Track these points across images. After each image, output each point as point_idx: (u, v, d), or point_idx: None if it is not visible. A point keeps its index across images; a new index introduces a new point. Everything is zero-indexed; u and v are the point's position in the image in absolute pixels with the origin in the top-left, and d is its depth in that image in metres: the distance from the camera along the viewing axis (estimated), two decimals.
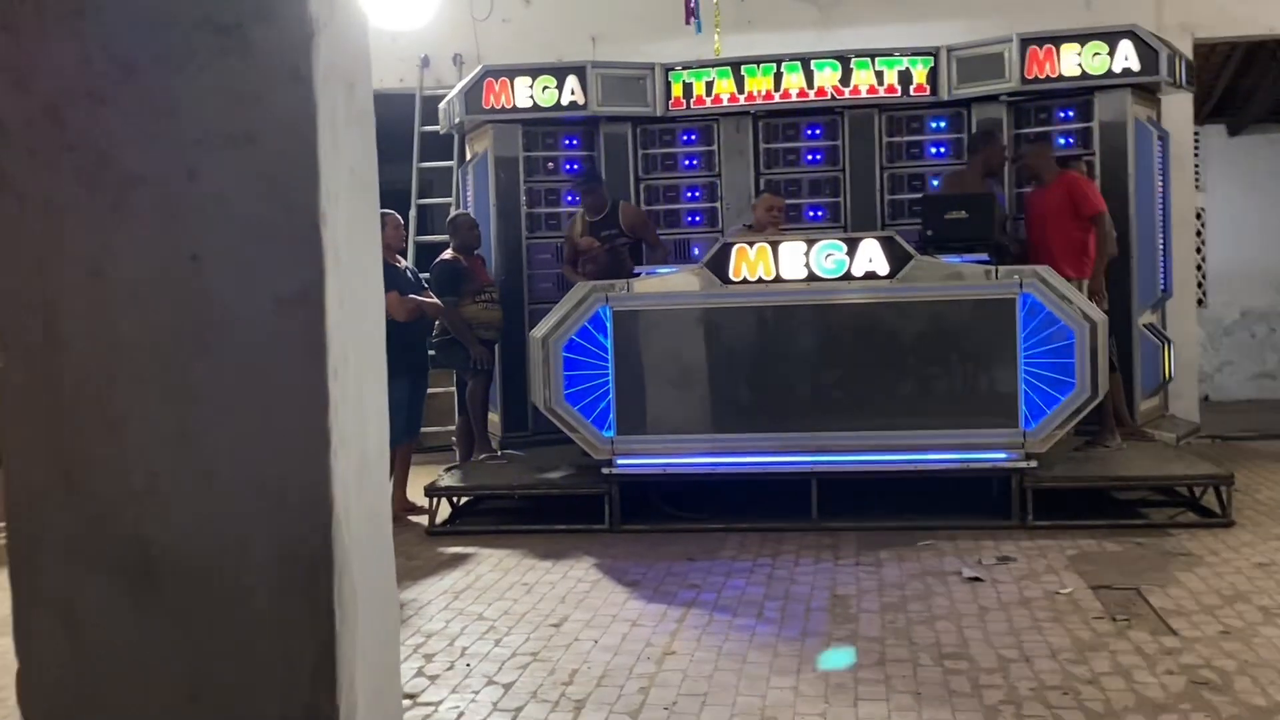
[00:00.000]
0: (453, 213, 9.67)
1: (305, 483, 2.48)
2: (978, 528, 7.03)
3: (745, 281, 7.18)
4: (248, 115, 2.44)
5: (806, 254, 7.14)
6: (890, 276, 7.08)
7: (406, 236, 10.02)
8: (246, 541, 2.53)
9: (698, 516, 7.37)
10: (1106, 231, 8.00)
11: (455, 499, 7.80)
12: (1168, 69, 8.44)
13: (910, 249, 7.10)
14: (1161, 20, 9.65)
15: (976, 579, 5.98)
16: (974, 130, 8.89)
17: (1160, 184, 8.73)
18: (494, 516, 7.84)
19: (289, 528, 2.50)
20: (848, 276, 7.11)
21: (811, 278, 7.14)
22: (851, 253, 7.11)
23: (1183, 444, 8.48)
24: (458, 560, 6.77)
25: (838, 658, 4.92)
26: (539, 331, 7.39)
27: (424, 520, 7.61)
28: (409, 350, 7.84)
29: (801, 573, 6.25)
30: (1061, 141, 8.83)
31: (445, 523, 7.63)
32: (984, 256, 7.36)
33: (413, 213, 10.35)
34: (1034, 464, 7.01)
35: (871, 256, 7.09)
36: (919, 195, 9.01)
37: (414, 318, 7.84)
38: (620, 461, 7.27)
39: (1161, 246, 8.78)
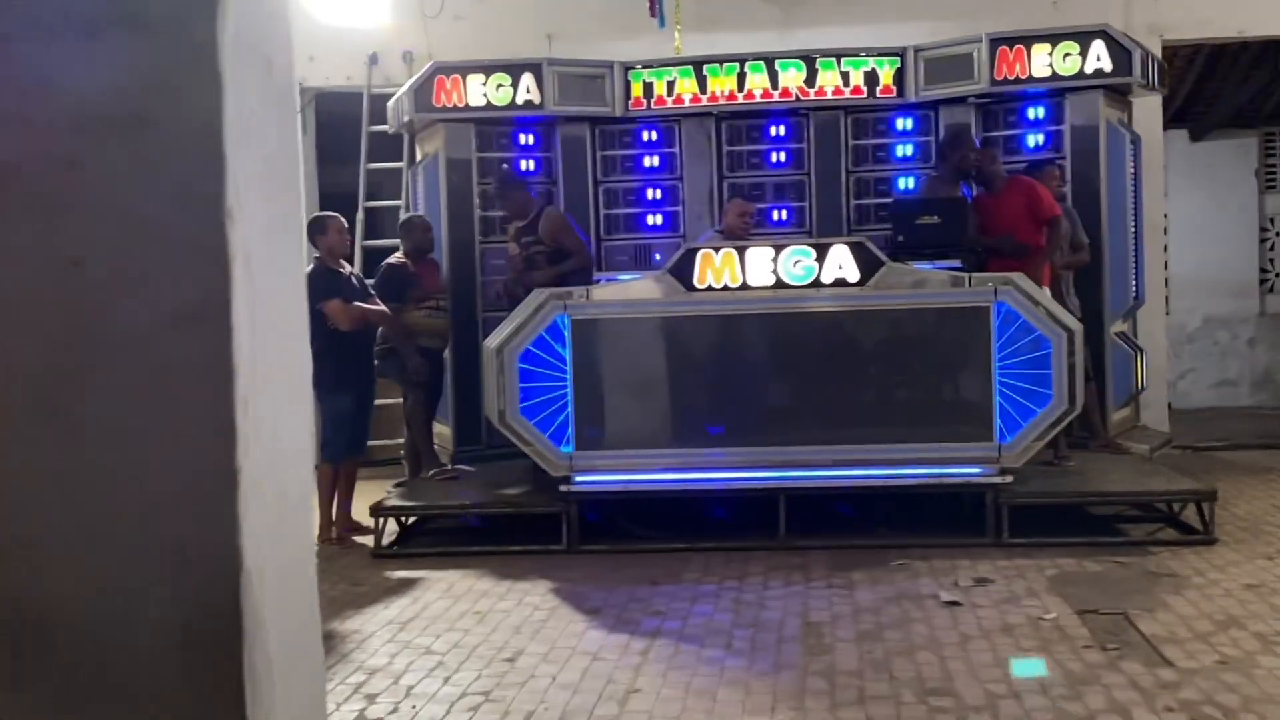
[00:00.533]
0: (403, 215, 9.24)
1: (209, 534, 2.07)
2: (951, 545, 6.69)
3: (710, 289, 6.81)
4: (139, 95, 2.03)
5: (774, 260, 6.77)
6: (861, 284, 6.73)
7: (353, 241, 9.58)
8: (140, 602, 2.11)
9: (660, 535, 6.98)
10: (1063, 235, 7.72)
11: (403, 519, 7.35)
12: (1141, 70, 8.17)
13: (881, 255, 6.75)
14: (1130, 21, 9.37)
15: (955, 603, 5.63)
16: (941, 134, 8.59)
17: (1133, 188, 8.45)
18: (445, 537, 7.41)
19: (191, 586, 2.09)
20: (817, 284, 6.76)
21: (779, 285, 6.78)
22: (821, 259, 6.76)
23: (1156, 456, 8.21)
24: (405, 586, 6.34)
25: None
26: (493, 341, 6.97)
27: (370, 541, 7.17)
28: (354, 361, 7.43)
29: (771, 596, 5.88)
30: (1031, 144, 8.55)
31: (393, 544, 7.18)
32: (956, 263, 7.03)
33: (360, 216, 9.90)
34: (1009, 479, 6.68)
35: (841, 263, 6.74)
36: (886, 200, 8.71)
37: (359, 326, 7.41)
38: (579, 478, 6.87)
39: (1134, 253, 8.49)
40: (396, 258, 8.06)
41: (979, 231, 7.46)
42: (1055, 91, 8.35)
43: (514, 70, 8.65)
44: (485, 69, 8.64)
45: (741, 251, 6.82)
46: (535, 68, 8.65)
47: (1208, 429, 10.72)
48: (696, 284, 6.82)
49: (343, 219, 7.61)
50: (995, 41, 8.27)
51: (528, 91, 8.65)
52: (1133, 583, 5.92)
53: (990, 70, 8.27)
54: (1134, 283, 8.49)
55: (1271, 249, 13.04)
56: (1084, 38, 8.18)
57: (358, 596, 6.16)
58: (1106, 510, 7.14)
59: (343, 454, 7.44)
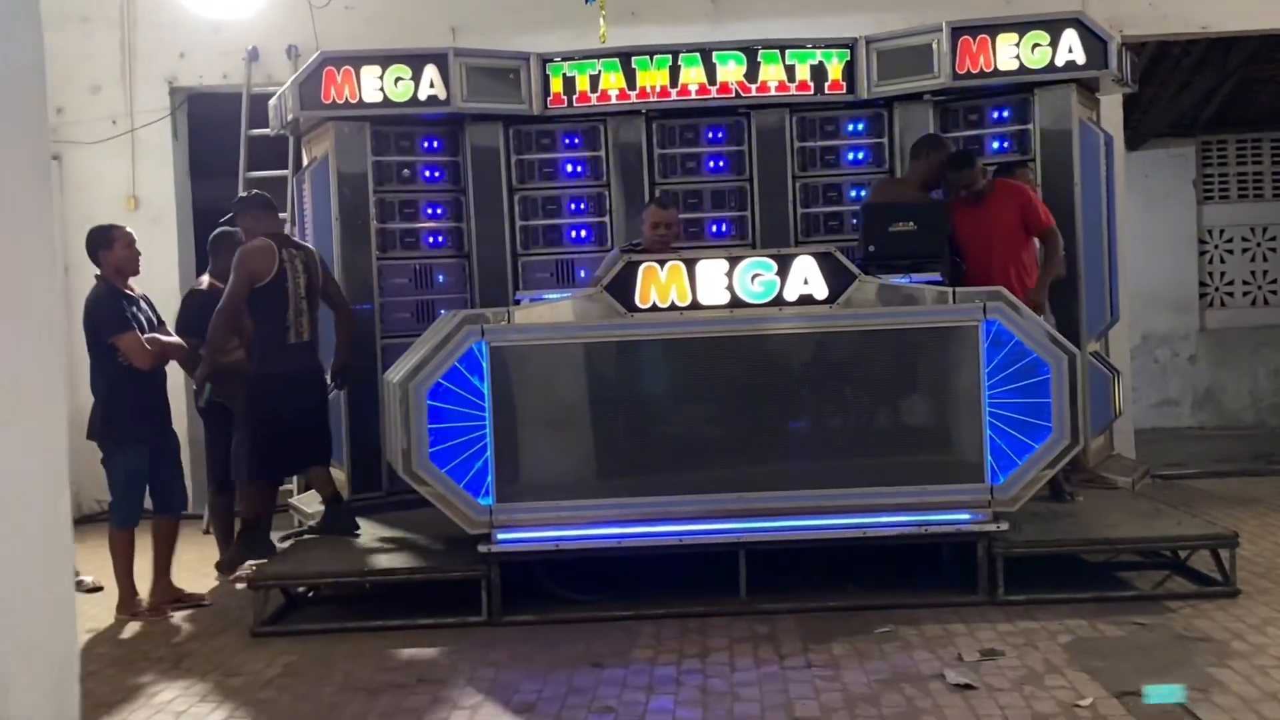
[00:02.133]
0: (291, 229, 8.00)
1: None
2: (938, 605, 5.70)
3: (655, 308, 5.72)
4: None
5: (729, 274, 5.71)
6: (830, 301, 5.70)
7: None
8: None
9: (599, 600, 5.85)
10: (1057, 248, 6.84)
11: (291, 589, 6.10)
12: (1116, 63, 7.30)
13: (853, 268, 5.73)
14: (1087, 14, 8.52)
15: (967, 685, 4.60)
16: (898, 135, 7.64)
17: (1106, 195, 7.56)
18: (339, 608, 6.16)
19: None
20: (779, 301, 5.71)
21: (735, 303, 5.72)
22: (783, 273, 5.71)
23: (1139, 488, 7.33)
24: (290, 676, 5.11)
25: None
26: (396, 374, 5.79)
27: (194, 607, 6.11)
28: (150, 405, 6.22)
29: (743, 681, 4.79)
30: (996, 146, 7.62)
31: (275, 618, 5.94)
32: (935, 276, 6.04)
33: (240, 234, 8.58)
34: (1004, 526, 5.70)
35: (807, 277, 5.71)
36: (837, 208, 7.73)
37: (159, 364, 6.18)
38: (501, 536, 5.71)
39: (1109, 266, 7.60)
40: (207, 281, 6.84)
41: (960, 244, 6.49)
42: (1022, 87, 7.44)
43: (415, 61, 7.46)
44: (382, 60, 7.45)
45: (691, 265, 5.74)
46: (440, 59, 7.48)
47: (1158, 453, 9.89)
48: (638, 303, 5.73)
49: (130, 231, 6.33)
50: (957, 31, 7.33)
51: (431, 86, 7.46)
52: (1165, 651, 4.95)
53: (952, 63, 7.33)
54: (1110, 299, 7.59)
55: (1210, 262, 12.41)
56: (1054, 26, 7.29)
57: (232, 692, 4.93)
58: (1099, 556, 6.18)
59: (137, 518, 6.23)
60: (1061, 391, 5.63)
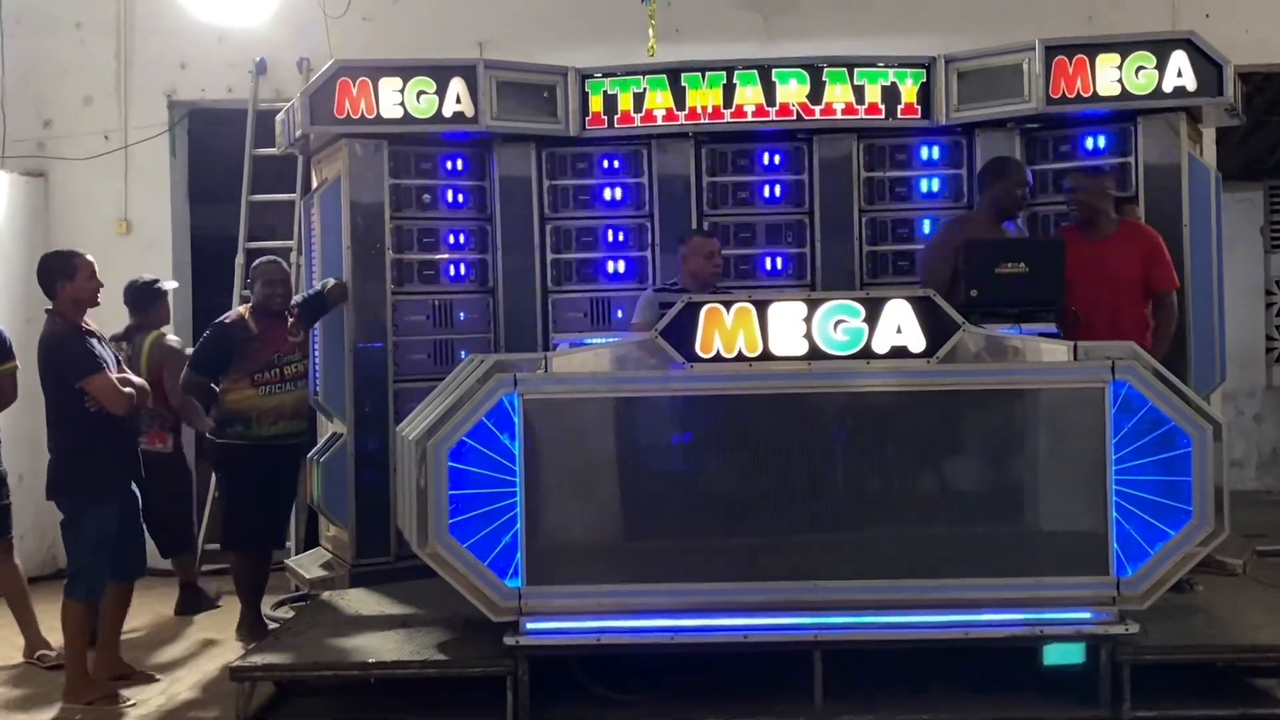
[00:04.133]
0: (295, 259, 7.09)
1: None
2: (1050, 718, 4.69)
3: (719, 358, 4.74)
4: None
5: (808, 319, 4.74)
6: (928, 354, 4.73)
7: (234, 286, 7.39)
8: None
9: (647, 702, 4.85)
10: (1174, 313, 5.94)
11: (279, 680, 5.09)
12: (1232, 90, 6.37)
13: (955, 316, 4.76)
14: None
15: None
16: (975, 164, 6.71)
17: (1216, 240, 6.58)
18: (336, 699, 5.15)
19: None
20: (866, 353, 4.74)
21: (814, 354, 4.74)
22: (872, 319, 4.74)
23: (1249, 571, 6.34)
24: None
25: None
26: (413, 430, 4.83)
27: (143, 693, 5.16)
28: (121, 456, 5.36)
29: None
30: None
31: (263, 712, 4.94)
32: (1050, 328, 5.07)
33: (240, 259, 7.66)
34: (1135, 628, 4.70)
35: (900, 325, 4.74)
36: (908, 246, 6.78)
37: (130, 408, 5.26)
38: (531, 625, 4.71)
39: (1218, 319, 6.61)
40: (234, 314, 5.96)
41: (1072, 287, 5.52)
42: (1122, 115, 6.50)
43: (440, 74, 6.54)
44: (403, 71, 6.52)
45: (762, 308, 4.77)
46: (468, 71, 6.56)
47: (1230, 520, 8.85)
48: (700, 352, 4.75)
49: (91, 259, 5.42)
50: (1051, 50, 6.40)
51: (457, 102, 6.54)
52: None
53: (1045, 86, 6.39)
54: (1220, 355, 6.61)
55: (1278, 315, 11.44)
56: (1162, 47, 6.36)
57: None
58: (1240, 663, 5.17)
59: (104, 588, 5.31)
60: (1204, 468, 4.65)
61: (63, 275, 5.25)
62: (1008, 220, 6.17)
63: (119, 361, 5.46)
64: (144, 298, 6.76)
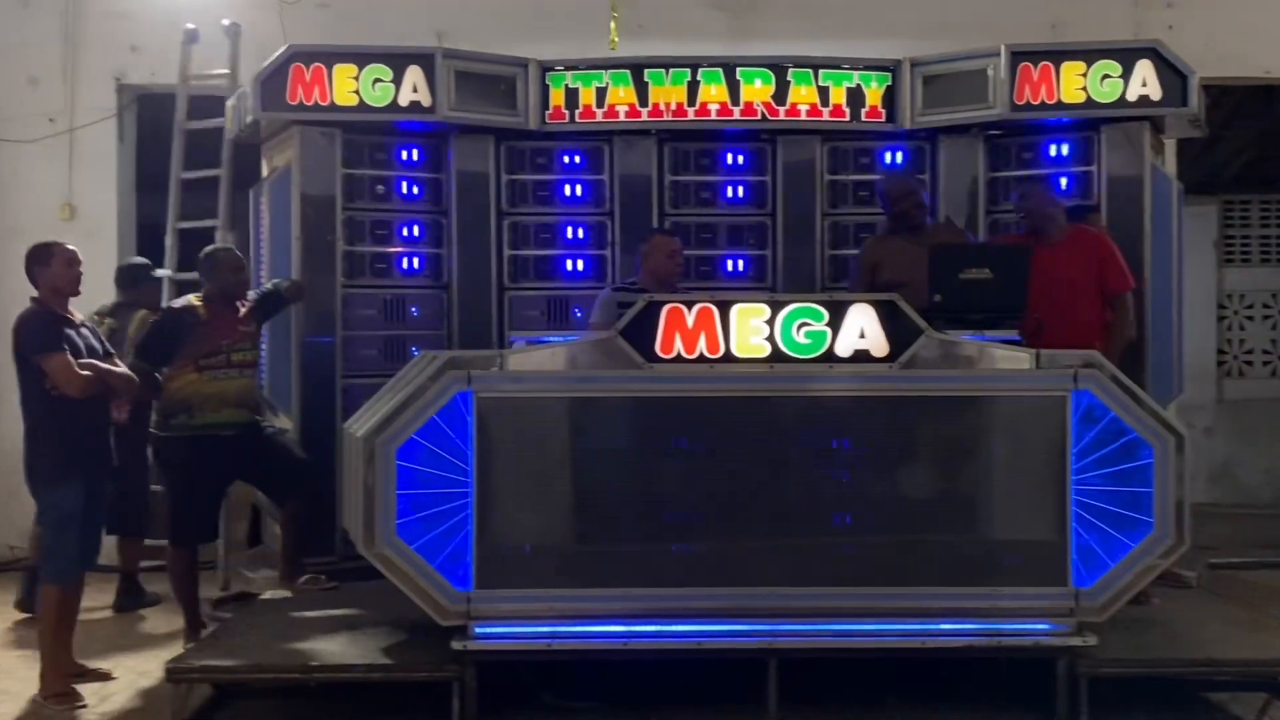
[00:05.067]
0: (218, 238, 6.88)
1: None
2: None
3: (680, 359, 4.63)
4: None
5: (770, 321, 4.65)
6: (890, 359, 4.65)
7: (160, 278, 7.15)
8: None
9: (595, 711, 4.73)
10: (1129, 313, 5.90)
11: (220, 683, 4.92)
12: (1196, 100, 6.36)
13: (920, 321, 4.69)
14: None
15: None
16: (939, 169, 6.69)
17: (1177, 251, 6.58)
18: (277, 702, 4.99)
19: None
20: (829, 357, 4.65)
21: (777, 357, 4.65)
22: (835, 323, 4.65)
23: (1203, 583, 6.33)
24: None
25: None
26: (360, 427, 4.68)
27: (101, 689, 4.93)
28: (86, 439, 5.19)
29: None
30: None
31: (200, 715, 4.77)
32: (1014, 335, 5.01)
33: (169, 240, 7.38)
34: (1092, 640, 4.64)
35: (864, 329, 4.65)
36: None
37: (92, 391, 5.10)
38: (481, 630, 4.58)
39: (1177, 331, 6.61)
40: (184, 302, 5.80)
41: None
42: (1086, 124, 6.49)
43: (397, 61, 6.42)
44: (358, 58, 6.40)
45: (725, 309, 4.67)
46: (425, 60, 6.44)
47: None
48: (660, 352, 4.64)
49: (71, 247, 5.28)
50: (1017, 56, 6.40)
51: (414, 91, 6.42)
52: None
53: (1010, 92, 6.37)
54: (1179, 368, 6.60)
55: (1229, 329, 11.51)
56: (1127, 55, 6.36)
57: None
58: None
59: (73, 573, 5.16)
60: (1166, 480, 4.61)
61: (39, 263, 5.19)
62: (911, 233, 6.11)
63: (103, 354, 5.29)
64: (131, 277, 6.79)
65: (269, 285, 6.13)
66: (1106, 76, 6.35)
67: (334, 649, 4.90)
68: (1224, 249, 11.48)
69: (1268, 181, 11.40)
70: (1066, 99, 6.38)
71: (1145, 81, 6.33)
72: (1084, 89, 6.36)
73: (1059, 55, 6.40)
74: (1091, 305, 5.79)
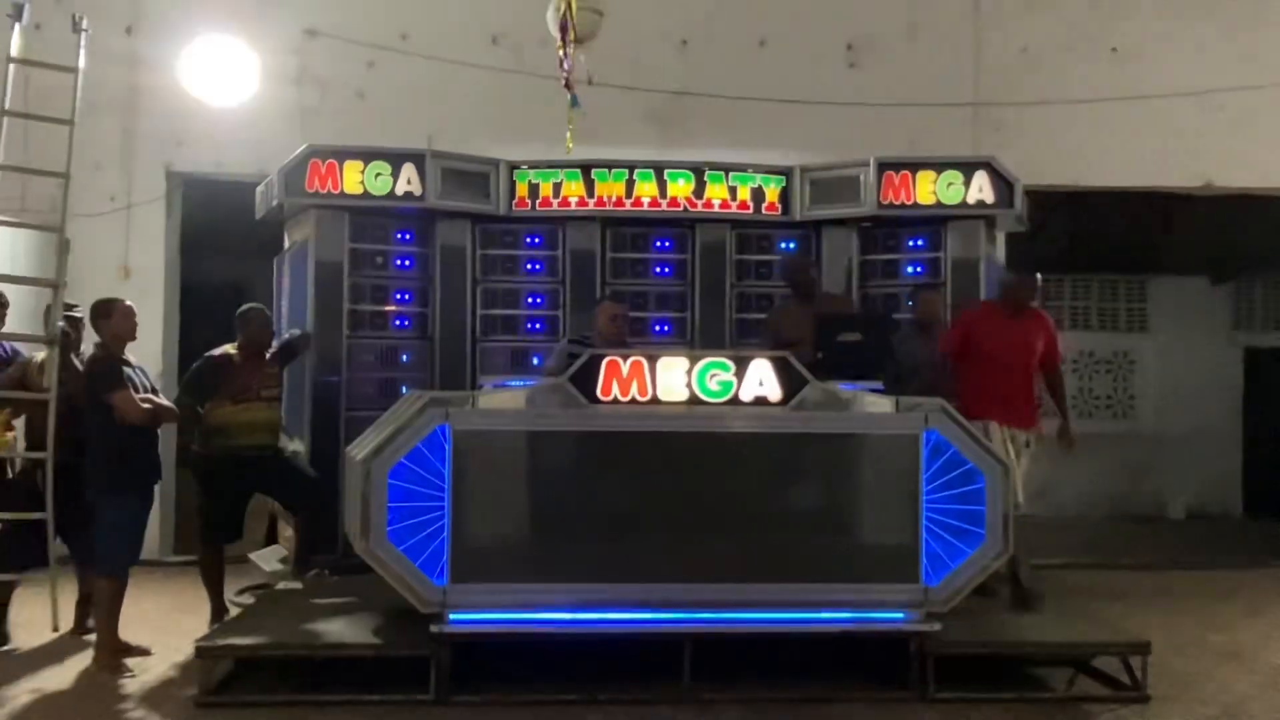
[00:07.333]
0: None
1: None
2: (873, 699, 4.67)
3: (616, 401, 4.68)
4: None
5: (689, 372, 4.71)
6: (783, 403, 4.73)
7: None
8: None
9: (548, 684, 4.70)
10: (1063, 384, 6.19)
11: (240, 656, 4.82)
12: (1021, 204, 6.56)
13: (806, 374, 4.77)
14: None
15: None
16: (822, 253, 6.82)
17: None
18: (287, 676, 4.91)
19: None
20: (735, 401, 4.72)
21: (694, 400, 4.70)
22: (740, 374, 4.73)
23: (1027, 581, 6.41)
24: None
25: None
26: (360, 451, 4.66)
27: (142, 663, 4.83)
28: (142, 458, 5.20)
29: None
30: (910, 270, 6.82)
31: (221, 688, 4.68)
32: (878, 385, 5.11)
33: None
34: (937, 627, 4.71)
35: (762, 379, 4.73)
36: (766, 316, 6.81)
37: (149, 422, 5.09)
38: (454, 617, 4.55)
39: None
40: (222, 351, 5.73)
41: (985, 350, 5.57)
42: (936, 219, 6.66)
43: (395, 159, 6.45)
44: (364, 155, 6.42)
45: (653, 361, 4.72)
46: (418, 158, 6.47)
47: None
48: (600, 395, 4.68)
49: (129, 303, 5.33)
50: (883, 166, 6.57)
51: (408, 183, 6.45)
52: None
53: (877, 193, 6.54)
54: None
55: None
56: (968, 167, 6.58)
57: None
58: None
59: (128, 565, 5.11)
60: (995, 500, 4.71)
61: (102, 316, 5.24)
62: (804, 302, 6.22)
63: (151, 390, 5.26)
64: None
65: (288, 335, 6.09)
66: (951, 184, 6.55)
67: (335, 631, 4.85)
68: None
69: (1075, 265, 11.74)
70: (921, 200, 6.56)
71: (982, 188, 6.54)
72: (934, 192, 6.55)
73: (915, 166, 6.58)
74: (1035, 372, 5.86)
